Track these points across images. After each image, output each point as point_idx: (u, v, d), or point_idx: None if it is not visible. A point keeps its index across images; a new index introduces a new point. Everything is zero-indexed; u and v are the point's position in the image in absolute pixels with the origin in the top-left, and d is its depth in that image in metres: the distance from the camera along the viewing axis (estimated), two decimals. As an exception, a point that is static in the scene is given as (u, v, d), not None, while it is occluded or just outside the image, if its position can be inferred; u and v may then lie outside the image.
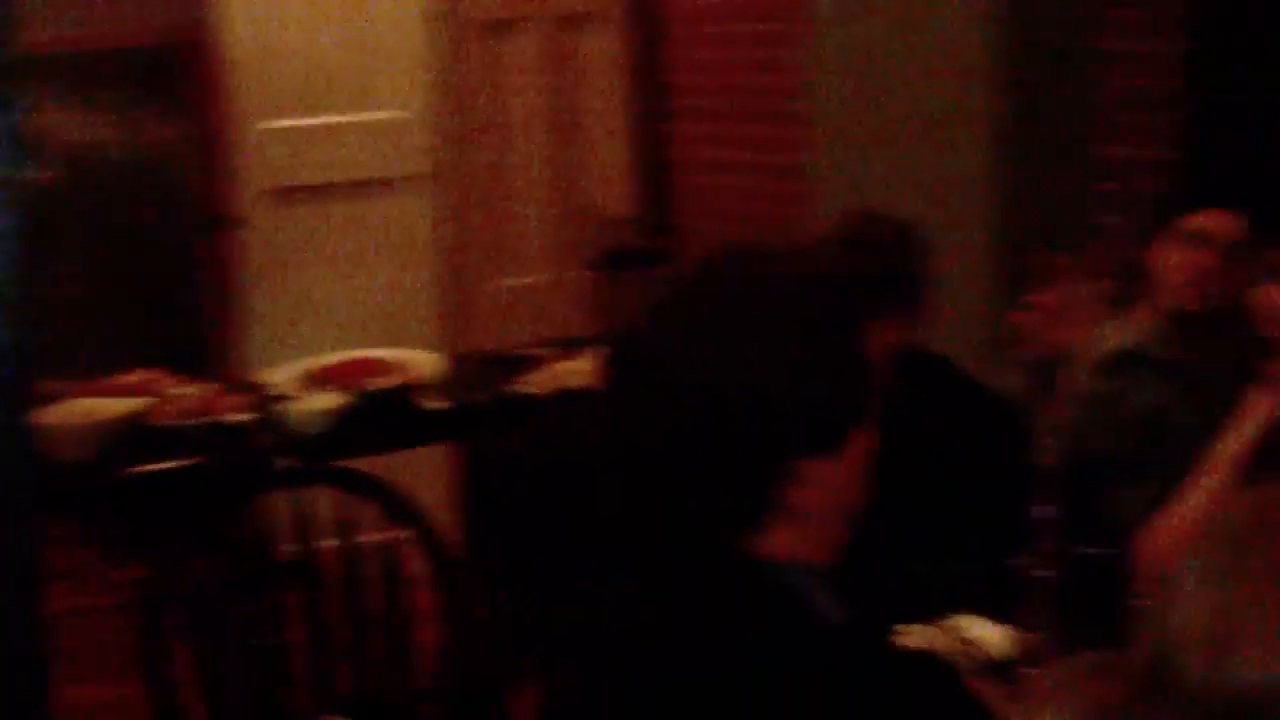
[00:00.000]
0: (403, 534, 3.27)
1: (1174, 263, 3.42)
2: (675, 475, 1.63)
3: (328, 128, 5.76)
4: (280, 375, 4.24)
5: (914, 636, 2.54)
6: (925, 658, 1.84)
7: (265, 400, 4.11)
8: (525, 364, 4.37)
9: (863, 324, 1.70)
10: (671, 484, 1.64)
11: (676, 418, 1.62)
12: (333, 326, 5.60)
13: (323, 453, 3.85)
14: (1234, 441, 2.96)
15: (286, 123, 5.70)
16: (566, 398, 3.99)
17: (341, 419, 3.98)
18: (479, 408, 4.21)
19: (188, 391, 4.15)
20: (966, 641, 2.60)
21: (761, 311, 1.64)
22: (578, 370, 4.14)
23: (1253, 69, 4.40)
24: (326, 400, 4.02)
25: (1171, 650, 1.22)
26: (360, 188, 5.83)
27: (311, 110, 5.72)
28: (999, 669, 2.51)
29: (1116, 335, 3.50)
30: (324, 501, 3.31)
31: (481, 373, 4.45)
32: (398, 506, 3.28)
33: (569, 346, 4.39)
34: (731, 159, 5.94)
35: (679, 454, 1.62)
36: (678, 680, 1.59)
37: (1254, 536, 1.24)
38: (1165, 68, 4.59)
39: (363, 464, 3.55)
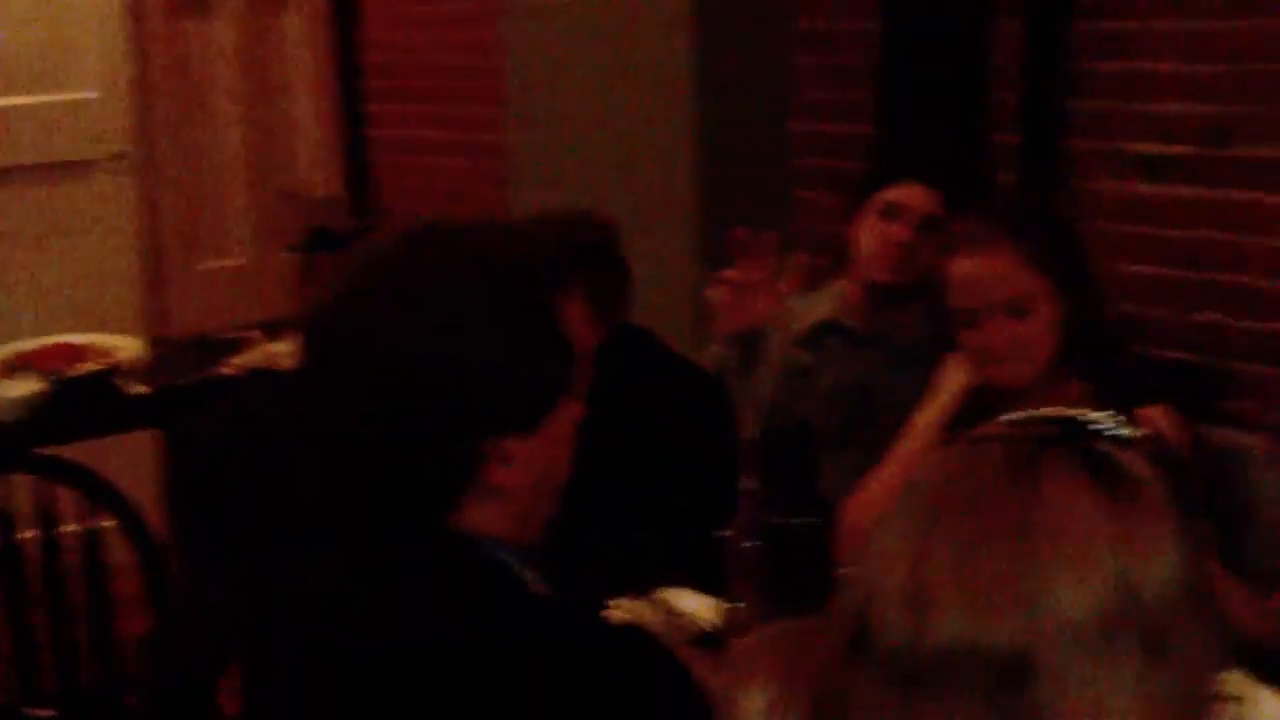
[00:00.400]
0: (106, 522, 3.20)
1: (868, 236, 3.51)
2: (372, 453, 1.62)
3: (16, 109, 5.59)
4: (-24, 362, 4.11)
5: (622, 610, 2.56)
6: (633, 630, 1.85)
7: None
8: (229, 347, 4.31)
9: (559, 299, 1.71)
10: (369, 462, 1.63)
11: (371, 394, 1.61)
12: (30, 311, 5.45)
13: (22, 440, 3.74)
14: (931, 411, 3.04)
15: (-27, 104, 5.54)
16: (265, 377, 3.94)
17: (41, 405, 3.88)
18: (182, 392, 4.14)
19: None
20: (675, 614, 2.64)
21: (456, 286, 1.63)
22: (282, 352, 4.09)
23: (947, 47, 4.53)
24: (25, 386, 3.91)
25: (871, 611, 1.25)
26: (55, 169, 5.68)
27: (-1, 91, 5.56)
28: (708, 640, 2.55)
29: (814, 308, 3.58)
30: (24, 491, 3.23)
31: (184, 356, 4.38)
32: (100, 493, 3.20)
33: (274, 329, 4.34)
34: (433, 139, 5.93)
35: (375, 431, 1.61)
36: (383, 660, 1.58)
37: (948, 496, 1.27)
38: (862, 45, 4.70)
39: (64, 451, 3.47)
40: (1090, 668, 1.19)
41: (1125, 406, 3.07)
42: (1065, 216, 3.24)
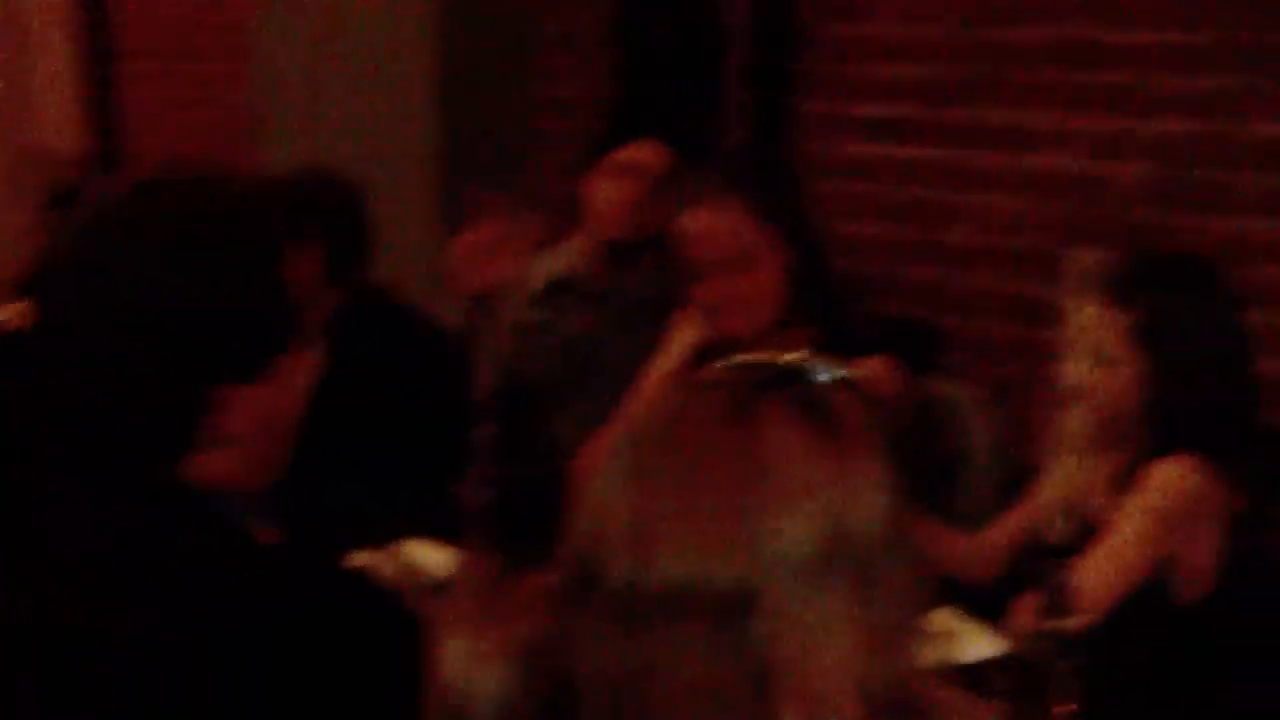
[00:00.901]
0: None
1: (602, 194, 3.58)
2: (95, 401, 1.62)
3: None
4: None
5: (358, 561, 2.60)
6: (357, 578, 1.88)
7: None
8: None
9: (289, 253, 1.72)
10: (91, 410, 1.63)
11: (93, 342, 1.61)
12: None
13: None
14: (662, 364, 3.11)
15: None
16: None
17: None
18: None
19: None
20: (410, 565, 2.68)
21: (180, 235, 1.63)
22: (16, 311, 4.01)
23: (680, 11, 4.62)
24: None
25: (595, 552, 1.29)
26: None
27: None
28: (442, 590, 2.59)
29: (549, 265, 3.65)
30: None
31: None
32: None
33: (19, 288, 4.25)
34: (180, 96, 5.85)
35: (96, 379, 1.61)
36: (113, 609, 1.58)
37: (668, 440, 1.31)
38: (599, 9, 4.77)
39: None
40: (807, 600, 1.25)
41: (848, 359, 3.20)
42: (791, 174, 3.33)
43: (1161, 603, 2.77)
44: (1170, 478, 2.73)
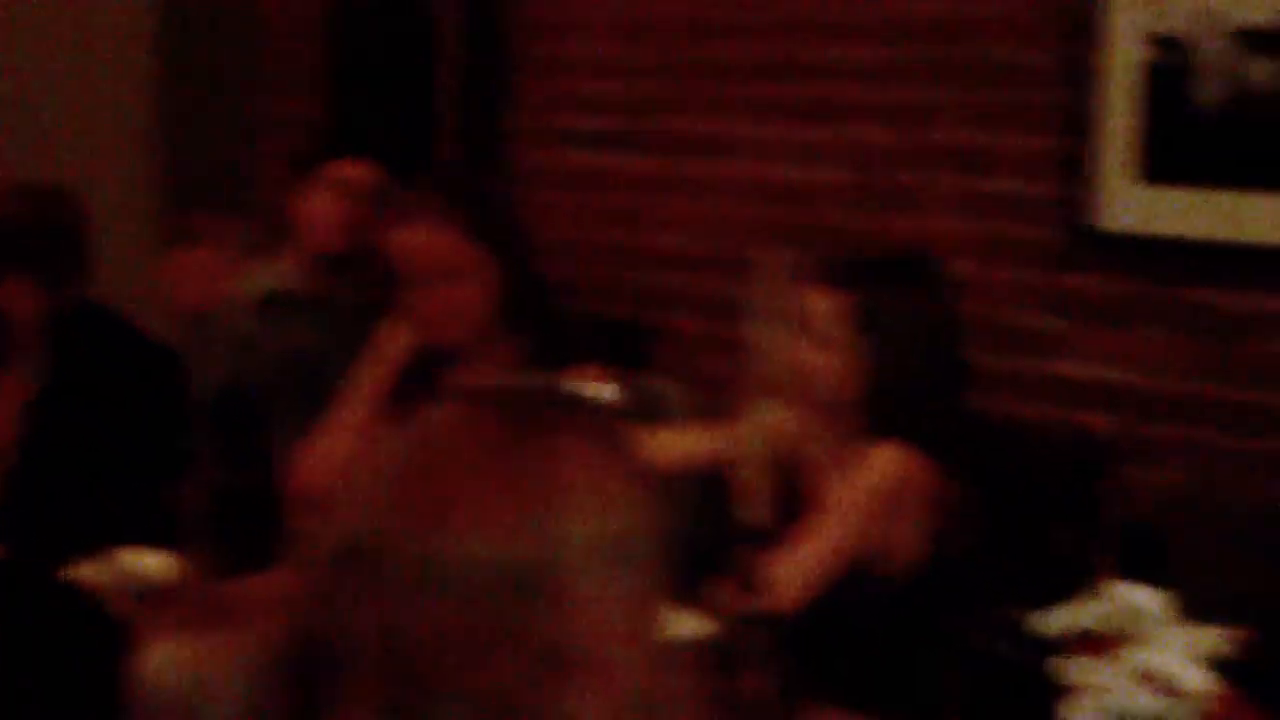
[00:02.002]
0: None
1: (316, 209, 3.66)
2: None
3: None
4: None
5: (79, 571, 2.62)
6: (69, 589, 1.91)
7: None
8: None
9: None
10: None
11: None
12: None
13: None
14: (373, 372, 3.18)
15: None
16: None
17: None
18: None
19: None
20: (127, 572, 2.71)
21: None
22: None
23: (392, 31, 4.70)
24: None
25: (371, 533, 1.34)
26: None
27: None
28: (160, 596, 2.63)
29: (265, 279, 3.70)
30: None
31: None
32: None
33: None
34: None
35: None
36: None
37: (451, 449, 1.38)
38: (315, 27, 4.83)
39: None
40: (594, 584, 1.34)
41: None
42: (499, 188, 3.43)
43: (871, 584, 2.88)
44: (884, 464, 2.82)
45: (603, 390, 3.07)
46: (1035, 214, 3.80)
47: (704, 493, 3.11)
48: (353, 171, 3.69)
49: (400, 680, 1.32)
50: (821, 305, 2.80)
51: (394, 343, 3.18)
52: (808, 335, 2.80)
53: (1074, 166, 3.71)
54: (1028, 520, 3.04)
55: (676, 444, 3.09)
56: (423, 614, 1.32)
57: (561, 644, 1.32)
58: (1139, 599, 1.85)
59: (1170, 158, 3.60)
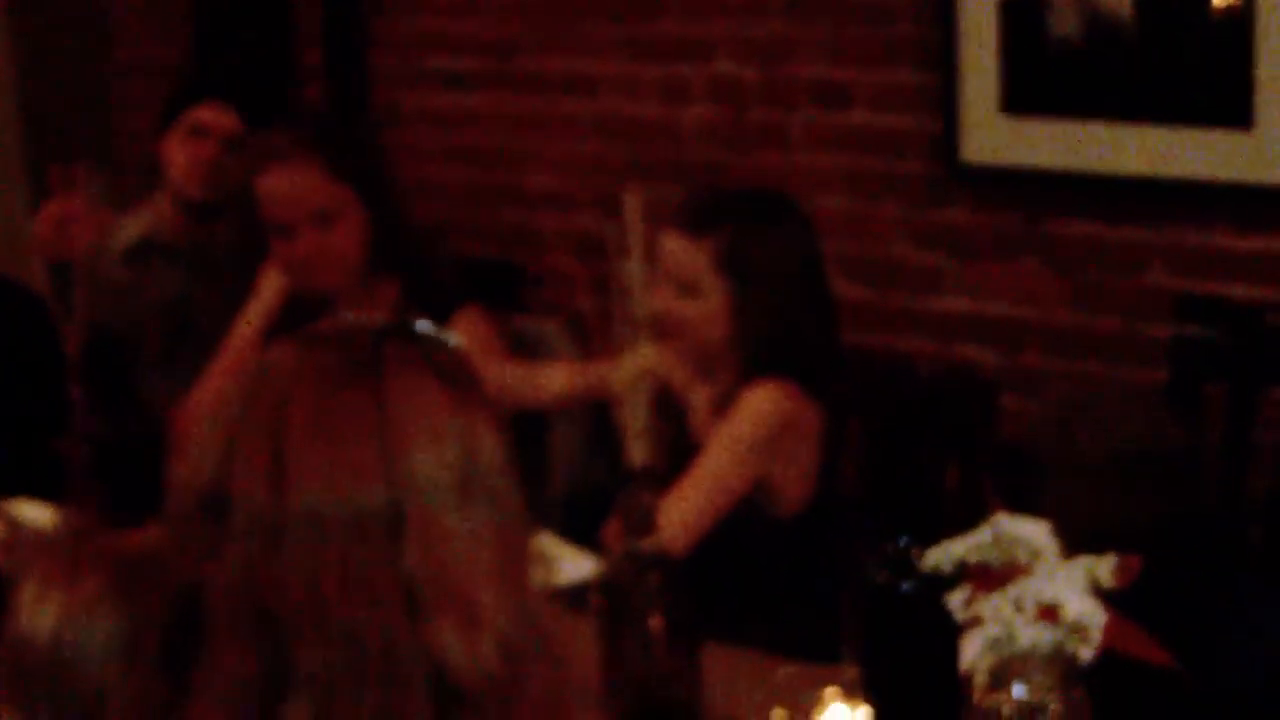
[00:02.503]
0: None
1: (178, 155, 3.61)
2: None
3: None
4: None
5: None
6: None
7: None
8: None
9: None
10: None
11: None
12: None
13: None
14: (250, 319, 3.15)
15: None
16: None
17: None
18: None
19: None
20: (14, 523, 2.68)
21: None
22: None
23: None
24: None
25: (228, 487, 1.35)
26: None
27: None
28: (45, 544, 2.59)
29: (134, 228, 3.65)
30: None
31: None
32: None
33: None
34: None
35: None
36: None
37: (297, 388, 1.37)
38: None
39: None
40: (450, 519, 1.35)
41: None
42: (368, 129, 3.39)
43: (760, 523, 2.90)
44: (760, 402, 2.84)
45: (439, 330, 3.07)
46: (902, 148, 3.83)
47: (593, 434, 3.13)
48: (214, 116, 3.64)
49: (265, 626, 1.33)
50: (682, 252, 2.80)
51: (268, 290, 3.15)
52: (671, 282, 2.80)
53: (937, 100, 3.74)
54: (911, 454, 3.08)
55: (555, 381, 3.10)
56: (278, 561, 1.33)
57: (420, 581, 1.33)
58: (1025, 531, 1.87)
59: (1030, 89, 3.64)
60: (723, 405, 2.86)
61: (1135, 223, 3.57)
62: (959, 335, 3.80)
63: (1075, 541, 1.89)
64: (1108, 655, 2.20)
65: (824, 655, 2.09)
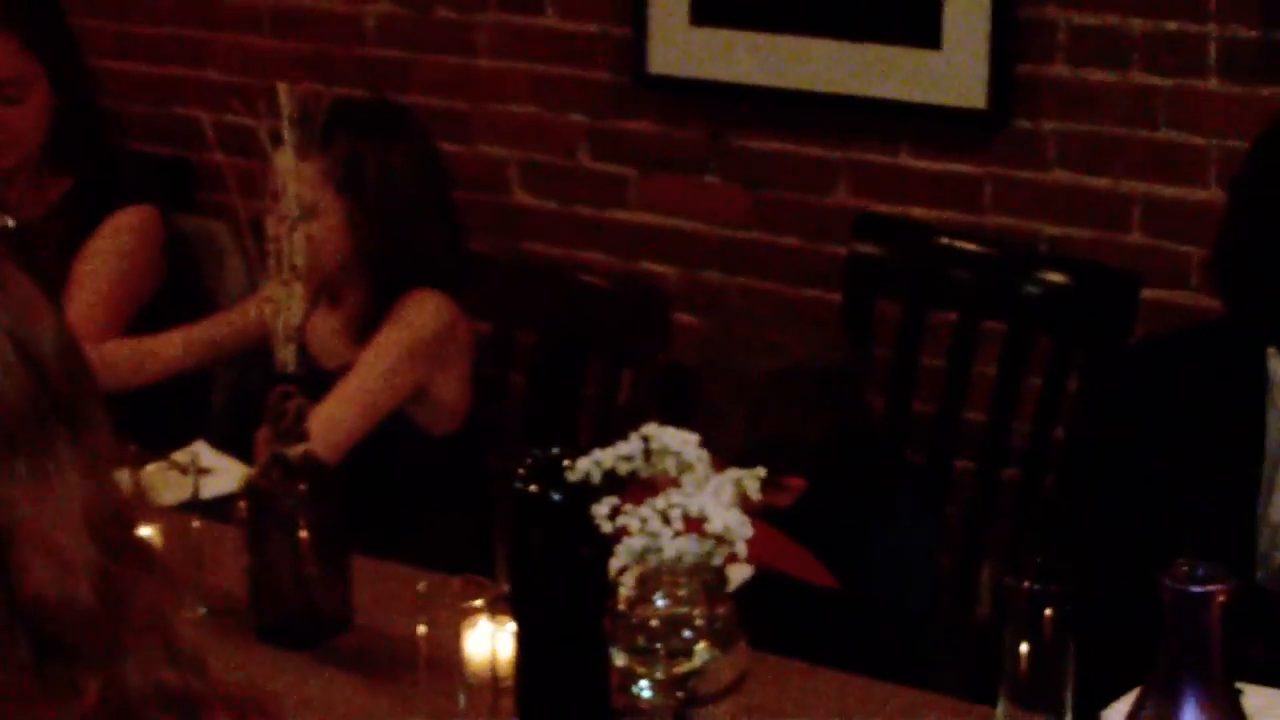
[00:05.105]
0: None
1: None
2: None
3: None
4: None
5: None
6: None
7: None
8: None
9: None
10: None
11: None
12: None
13: None
14: None
15: None
16: None
17: None
18: None
19: None
20: None
21: None
22: None
23: None
24: None
25: None
26: None
27: None
28: None
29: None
30: None
31: None
32: None
33: None
34: None
35: None
36: None
37: None
38: None
39: None
40: (25, 452, 1.23)
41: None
42: (56, 9, 3.24)
43: (413, 432, 2.87)
44: (417, 313, 2.82)
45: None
46: (590, 56, 3.76)
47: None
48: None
49: None
50: (300, 168, 2.74)
51: None
52: (285, 206, 2.74)
53: (627, 8, 3.67)
54: (582, 368, 3.05)
55: (168, 349, 3.04)
56: None
57: (6, 523, 1.22)
58: (674, 442, 1.84)
59: (720, 1, 3.58)
60: (360, 325, 2.83)
61: (821, 140, 3.56)
62: (640, 249, 3.77)
63: (735, 459, 1.85)
64: (766, 572, 2.19)
65: (476, 569, 2.05)
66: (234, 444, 2.78)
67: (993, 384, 2.89)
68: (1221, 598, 1.46)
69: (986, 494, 2.85)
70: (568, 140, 3.81)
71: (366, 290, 2.86)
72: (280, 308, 2.26)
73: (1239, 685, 1.61)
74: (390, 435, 2.81)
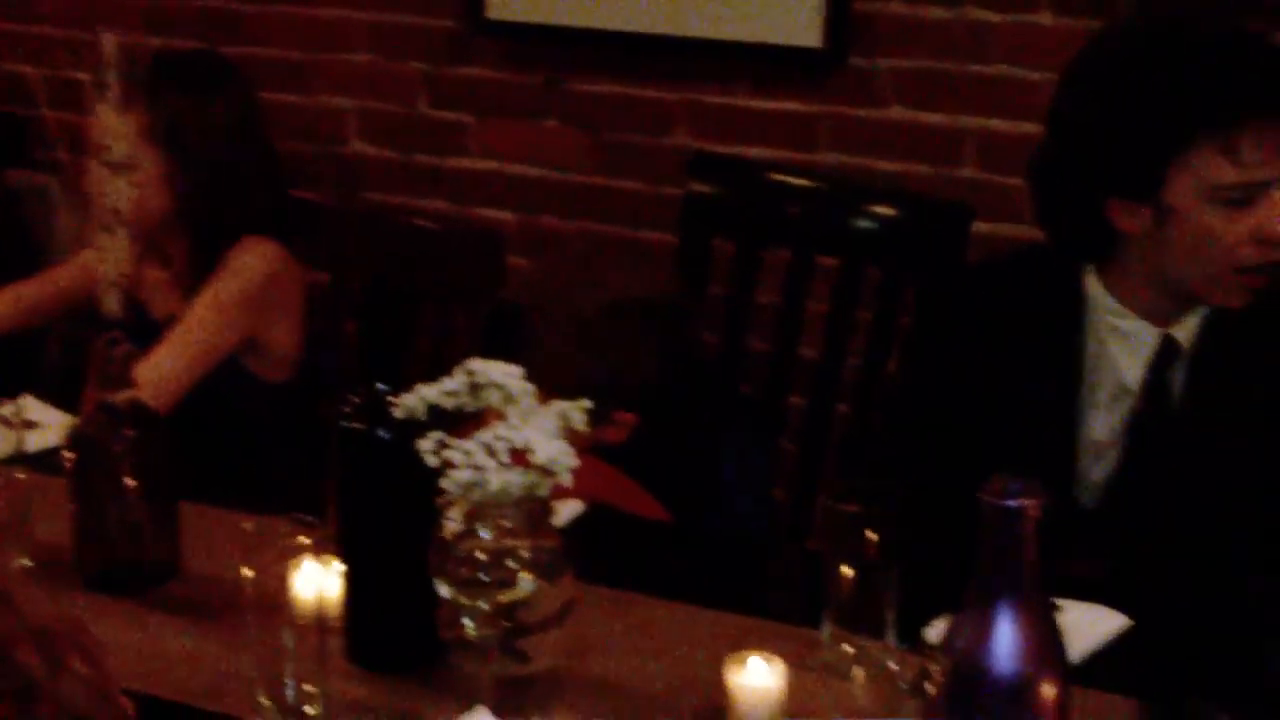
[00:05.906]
0: None
1: None
2: None
3: None
4: None
5: None
6: None
7: None
8: None
9: None
10: None
11: None
12: None
13: None
14: None
15: None
16: None
17: None
18: None
19: None
20: None
21: None
22: None
23: None
24: None
25: None
26: None
27: None
28: None
29: None
30: None
31: None
32: None
33: None
34: None
35: None
36: None
37: None
38: None
39: None
40: None
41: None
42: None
43: (248, 381, 2.84)
44: (247, 261, 2.81)
45: None
46: (427, 4, 3.73)
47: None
48: None
49: None
50: (116, 122, 2.70)
51: None
52: (105, 159, 2.70)
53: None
54: (416, 314, 3.04)
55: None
56: None
57: None
58: (498, 375, 1.83)
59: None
60: (188, 278, 2.80)
61: (659, 83, 3.56)
62: (479, 196, 3.75)
63: (568, 395, 1.85)
64: (598, 507, 2.20)
65: (308, 511, 2.03)
66: (66, 402, 2.74)
67: (825, 319, 2.91)
68: (1034, 512, 1.47)
69: (821, 427, 2.87)
70: (406, 89, 3.79)
71: (190, 243, 2.84)
72: (105, 255, 2.22)
73: (1056, 600, 1.63)
74: (224, 382, 2.79)
